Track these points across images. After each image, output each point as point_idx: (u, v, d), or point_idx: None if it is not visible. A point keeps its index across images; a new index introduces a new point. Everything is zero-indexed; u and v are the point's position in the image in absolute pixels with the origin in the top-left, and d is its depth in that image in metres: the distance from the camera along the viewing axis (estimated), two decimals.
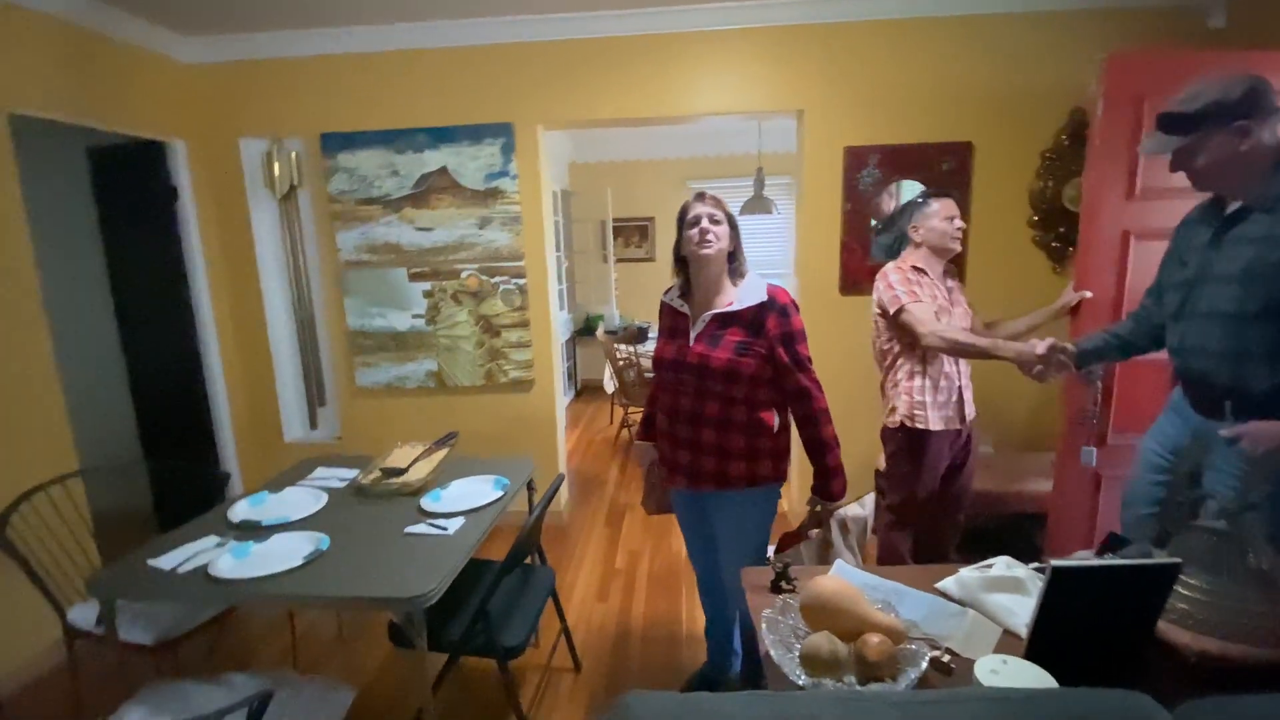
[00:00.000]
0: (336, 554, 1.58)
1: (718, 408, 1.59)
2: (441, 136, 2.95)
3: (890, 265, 2.12)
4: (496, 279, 3.08)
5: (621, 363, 4.35)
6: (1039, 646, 0.95)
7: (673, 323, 1.70)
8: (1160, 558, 0.96)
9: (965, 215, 2.94)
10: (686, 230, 1.60)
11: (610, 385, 4.71)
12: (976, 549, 2.50)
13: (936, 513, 2.19)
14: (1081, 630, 0.94)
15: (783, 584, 1.19)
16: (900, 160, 2.87)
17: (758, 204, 4.40)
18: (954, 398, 2.08)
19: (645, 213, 6.05)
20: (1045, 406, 3.00)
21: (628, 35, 2.86)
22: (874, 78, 2.82)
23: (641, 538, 3.17)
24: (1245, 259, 1.32)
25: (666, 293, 1.77)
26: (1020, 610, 1.07)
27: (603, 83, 2.92)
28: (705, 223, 1.56)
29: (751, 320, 1.57)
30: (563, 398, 3.34)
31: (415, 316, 3.13)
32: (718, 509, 1.73)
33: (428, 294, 3.10)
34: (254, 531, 1.70)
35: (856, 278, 2.97)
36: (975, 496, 2.34)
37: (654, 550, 3.04)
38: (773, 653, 0.96)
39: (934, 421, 2.05)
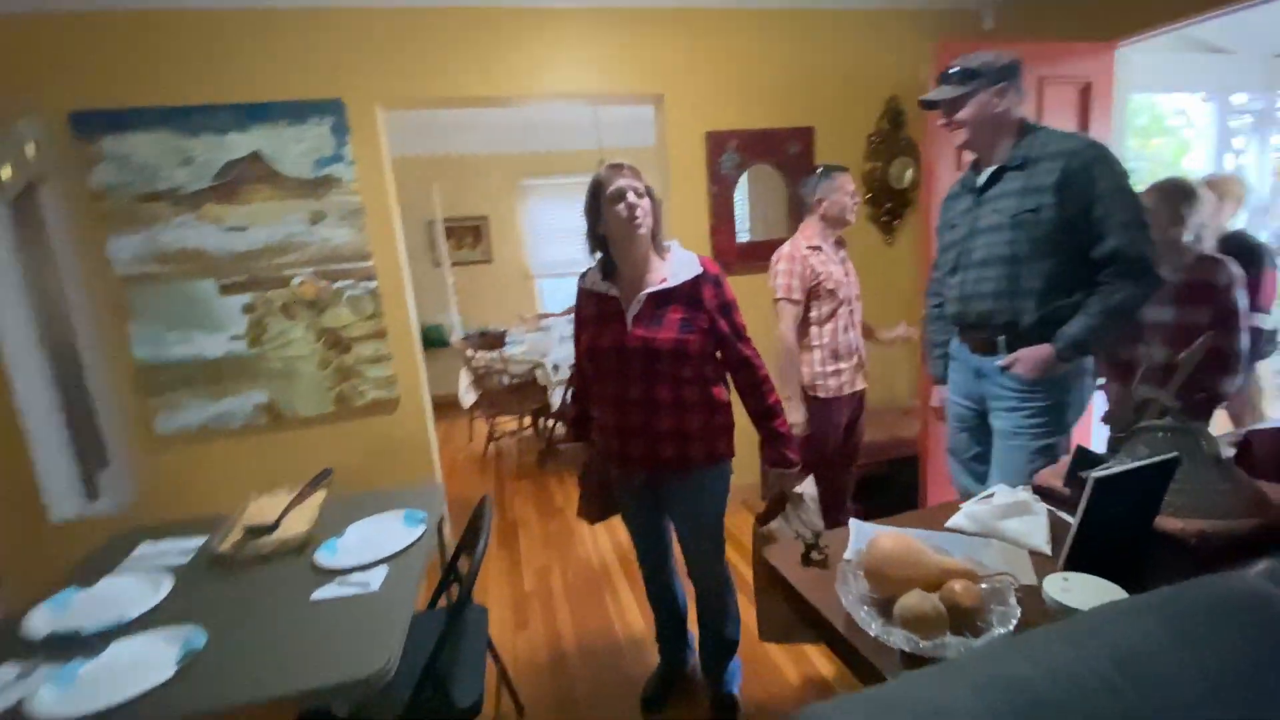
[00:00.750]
0: (222, 649, 1.17)
1: (670, 390, 1.50)
2: (253, 115, 2.41)
3: (786, 247, 2.17)
4: (340, 283, 2.61)
5: (481, 371, 4.01)
6: (1078, 557, 0.99)
7: (600, 309, 1.57)
8: (1156, 456, 1.05)
9: None
10: (611, 207, 1.47)
11: (468, 398, 4.32)
12: (866, 495, 2.72)
13: (837, 465, 2.32)
14: (1108, 535, 1.00)
15: (813, 554, 1.11)
16: (756, 144, 3.00)
17: None
18: (854, 362, 2.21)
19: (477, 212, 5.68)
20: (910, 360, 3.36)
21: (478, 6, 2.60)
22: (729, 64, 2.90)
23: (544, 553, 2.92)
24: (1009, 210, 1.54)
25: (583, 277, 1.64)
26: (1034, 530, 1.12)
27: (448, 58, 2.62)
28: (631, 196, 1.44)
29: (689, 295, 1.49)
30: (432, 415, 2.95)
31: (234, 338, 2.53)
32: (678, 494, 1.63)
33: (249, 309, 2.53)
34: (74, 647, 1.19)
35: (727, 259, 3.04)
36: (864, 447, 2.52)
37: (562, 562, 2.83)
38: (872, 629, 0.87)
39: (833, 389, 2.17)
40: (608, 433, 1.61)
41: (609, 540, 2.97)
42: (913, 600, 0.87)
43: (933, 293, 1.93)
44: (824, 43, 3.00)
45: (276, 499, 1.78)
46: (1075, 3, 2.74)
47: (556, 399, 3.75)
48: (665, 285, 1.48)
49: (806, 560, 1.11)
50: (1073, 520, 1.14)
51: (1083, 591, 0.91)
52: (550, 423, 4.11)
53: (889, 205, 3.26)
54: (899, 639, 0.84)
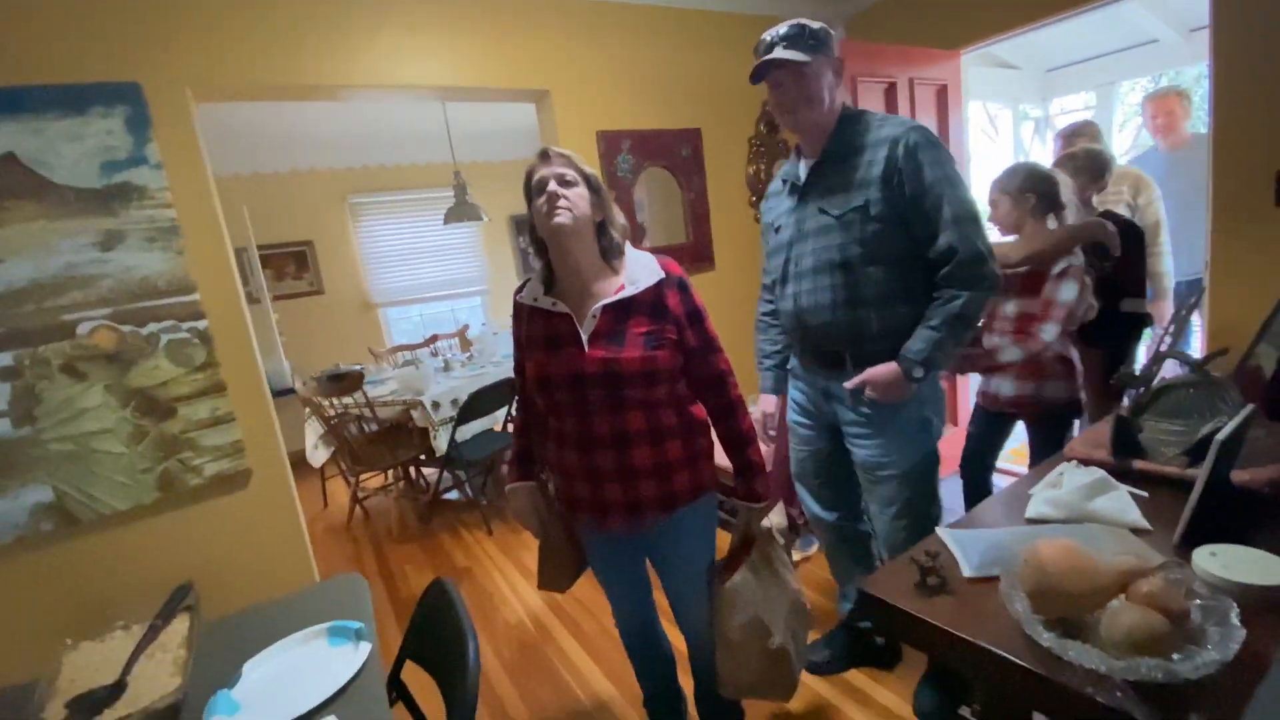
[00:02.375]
0: None
1: (643, 418, 1.25)
2: (1, 104, 1.70)
3: None
4: (153, 327, 1.95)
5: (334, 420, 3.35)
6: (1199, 526, 0.94)
7: (546, 328, 1.28)
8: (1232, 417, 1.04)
9: (703, 199, 3.11)
10: (535, 200, 1.23)
11: (317, 456, 3.60)
12: None
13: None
14: (1220, 499, 0.95)
15: (930, 580, 0.94)
16: (649, 146, 2.85)
17: (464, 210, 3.90)
18: None
19: (300, 236, 4.86)
20: None
21: None
22: (617, 60, 2.72)
23: None
24: (836, 208, 1.39)
25: (520, 290, 1.34)
26: (1125, 506, 1.05)
27: (283, 38, 2.11)
28: (553, 185, 1.19)
29: (652, 304, 1.25)
30: (293, 483, 2.34)
31: None
32: (663, 539, 1.37)
33: (10, 373, 1.78)
34: None
35: None
36: None
37: (487, 633, 2.39)
38: (1091, 660, 0.71)
39: None
40: (572, 478, 1.31)
41: (530, 592, 2.59)
42: (1134, 618, 0.72)
43: (763, 300, 1.79)
44: (705, 43, 2.96)
45: (109, 643, 1.21)
46: (912, 17, 2.99)
47: (442, 442, 3.24)
48: (624, 294, 1.23)
49: (925, 588, 0.93)
50: (1130, 490, 1.11)
51: (1240, 564, 0.84)
52: (432, 472, 3.56)
53: None
54: (1124, 668, 0.69)
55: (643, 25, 2.79)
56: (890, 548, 1.61)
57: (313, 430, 3.62)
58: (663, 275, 1.27)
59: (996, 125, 4.11)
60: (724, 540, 1.48)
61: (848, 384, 1.45)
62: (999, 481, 2.05)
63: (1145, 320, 2.17)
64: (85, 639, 1.22)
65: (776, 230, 1.56)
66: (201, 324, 2.02)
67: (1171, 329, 1.52)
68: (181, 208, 1.98)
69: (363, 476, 3.52)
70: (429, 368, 3.53)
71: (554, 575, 1.54)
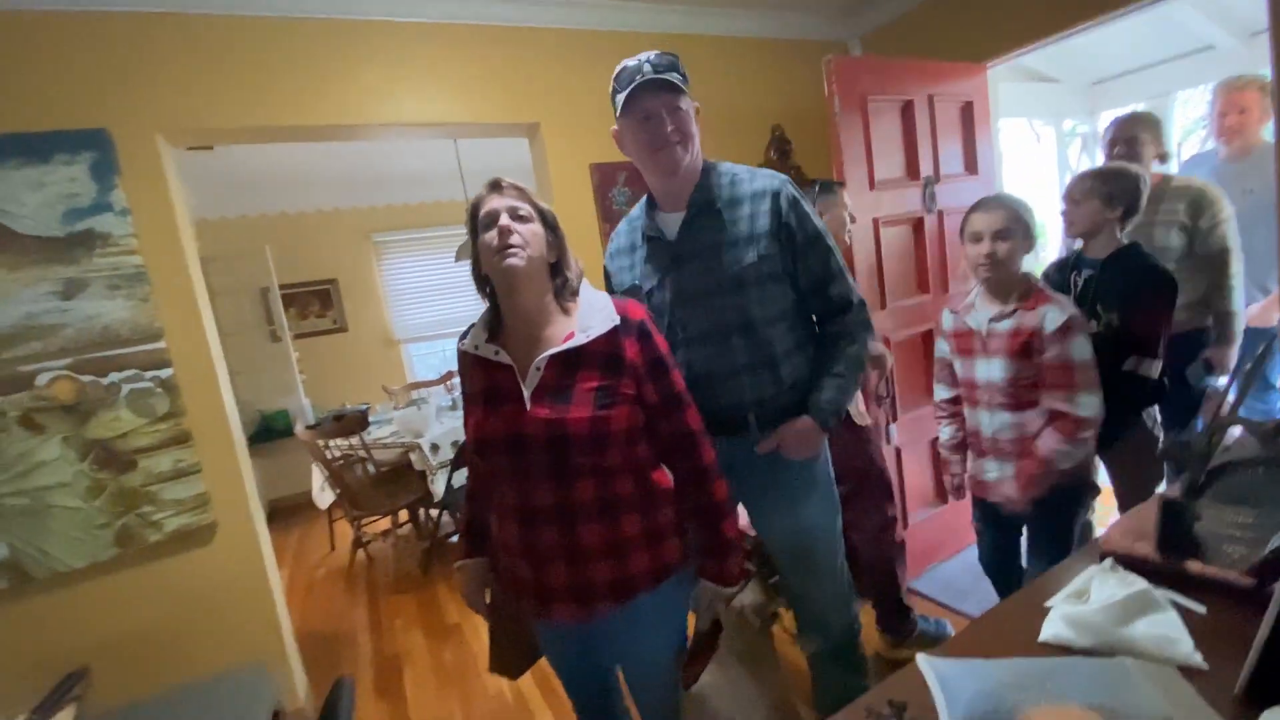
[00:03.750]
0: None
1: (594, 488, 1.06)
2: None
3: None
4: (114, 377, 1.89)
5: (339, 463, 3.27)
6: (1269, 672, 0.67)
7: (486, 380, 1.11)
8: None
9: None
10: (482, 235, 1.07)
11: (324, 498, 3.53)
12: None
13: None
14: None
15: None
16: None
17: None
18: None
19: (324, 274, 4.92)
20: None
21: (304, 18, 2.09)
22: (607, 90, 2.61)
23: (439, 696, 2.27)
24: (730, 266, 1.24)
25: (464, 337, 1.17)
26: (1175, 633, 0.79)
27: (261, 78, 2.07)
28: (505, 219, 1.04)
29: (606, 355, 1.07)
30: (269, 538, 2.24)
31: None
32: (620, 634, 1.15)
33: None
34: None
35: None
36: None
37: (466, 699, 2.19)
38: None
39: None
40: (515, 555, 1.12)
41: None
42: None
43: None
44: (708, 70, 2.81)
45: None
46: (933, 31, 2.77)
47: (440, 486, 3.11)
48: (573, 344, 1.06)
49: None
50: (1180, 601, 0.84)
51: None
52: (435, 514, 3.44)
53: None
54: None
55: (636, 53, 2.66)
56: (842, 627, 1.46)
57: (318, 472, 3.56)
58: (618, 320, 1.09)
59: (1041, 142, 3.79)
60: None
61: (761, 447, 1.31)
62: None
63: (1150, 389, 1.58)
64: None
65: (649, 294, 1.33)
66: (165, 373, 1.95)
67: (1235, 386, 1.23)
68: (149, 254, 1.92)
69: (366, 521, 3.41)
70: (431, 408, 3.43)
71: (505, 660, 1.36)
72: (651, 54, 1.23)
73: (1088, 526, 1.82)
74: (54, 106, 1.81)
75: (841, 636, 1.46)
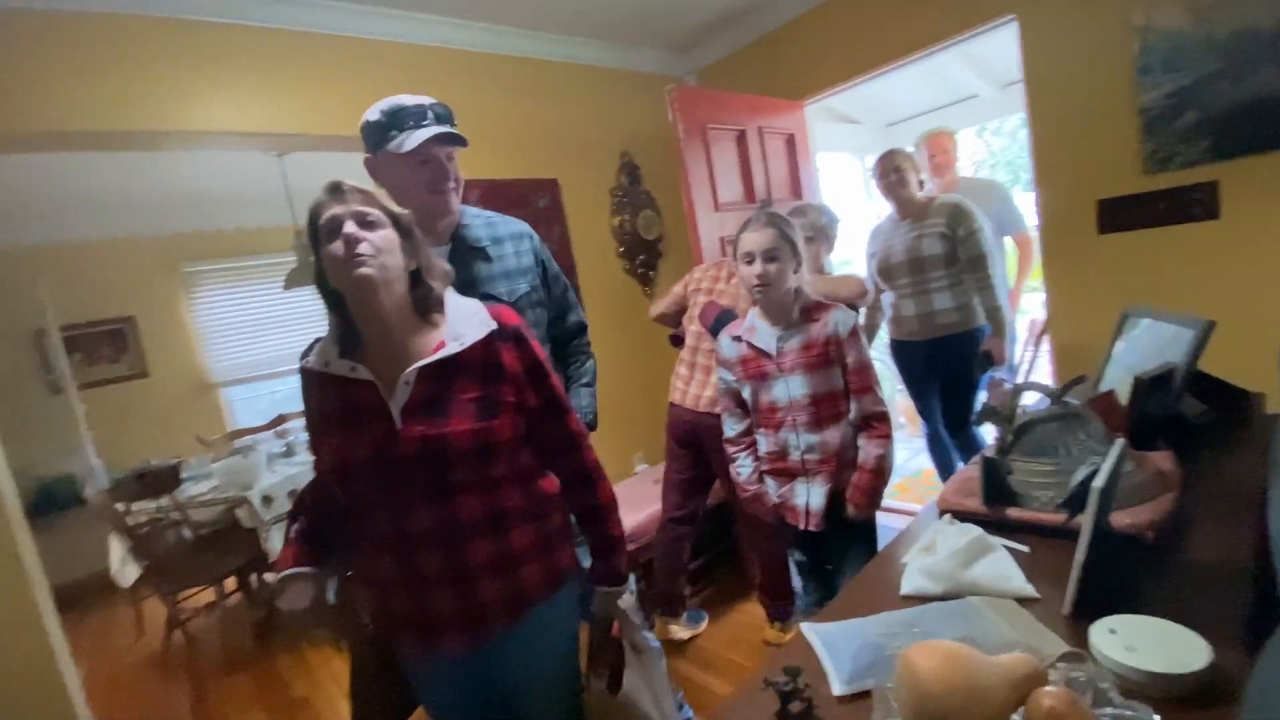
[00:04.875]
0: None
1: (480, 503, 1.00)
2: None
3: None
4: None
5: (145, 530, 2.76)
6: (1089, 594, 0.79)
7: (343, 400, 1.01)
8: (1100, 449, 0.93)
9: (566, 250, 2.95)
10: (326, 246, 0.96)
11: (127, 573, 2.96)
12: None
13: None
14: (1107, 558, 0.82)
15: (791, 708, 0.72)
16: (501, 195, 2.66)
17: (306, 274, 3.50)
18: None
19: (118, 312, 4.20)
20: None
21: (91, 12, 1.81)
22: (462, 110, 2.52)
23: None
24: (517, 293, 1.38)
25: (306, 355, 1.06)
26: (1008, 571, 0.90)
27: (36, 74, 1.75)
28: (351, 226, 0.95)
29: (482, 363, 1.02)
30: (60, 630, 1.82)
31: None
32: (512, 654, 1.08)
33: None
34: None
35: None
36: None
37: None
38: None
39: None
40: (386, 591, 1.03)
41: None
42: None
43: None
44: (561, 96, 2.87)
45: None
46: (758, 69, 3.07)
47: (275, 543, 2.74)
48: (446, 353, 0.99)
49: (787, 717, 0.72)
50: (1009, 545, 0.97)
51: (1145, 643, 0.69)
52: (272, 578, 3.01)
53: (642, 257, 3.21)
54: None
55: (493, 73, 2.66)
56: None
57: (119, 543, 2.97)
58: (494, 326, 1.04)
59: (847, 176, 4.33)
60: None
61: None
62: (888, 522, 1.75)
63: None
64: None
65: None
66: None
67: (1030, 358, 1.47)
68: None
69: (183, 594, 2.90)
70: (261, 455, 3.03)
71: (373, 714, 1.21)
72: (430, 99, 1.29)
73: None
74: None
75: None
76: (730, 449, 1.63)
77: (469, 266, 1.33)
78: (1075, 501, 0.91)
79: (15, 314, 3.72)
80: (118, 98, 1.87)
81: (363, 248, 0.94)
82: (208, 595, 3.24)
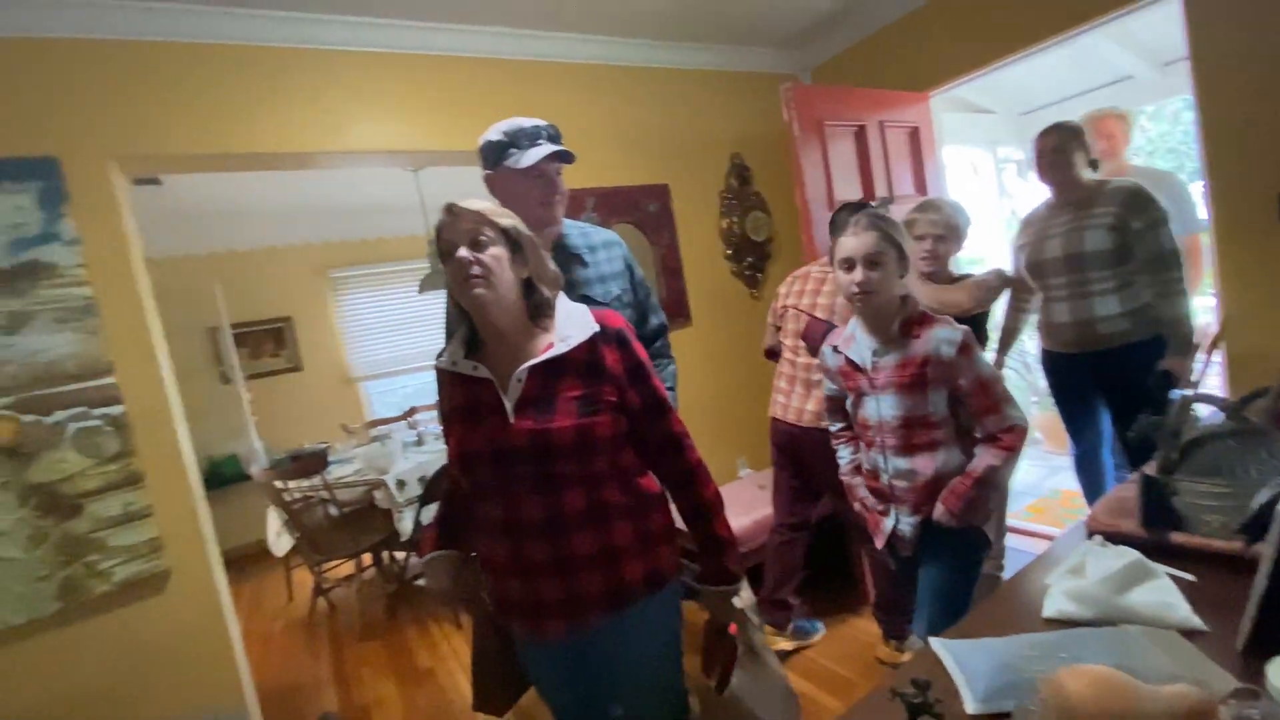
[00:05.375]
0: None
1: (583, 496, 1.05)
2: None
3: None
4: (59, 415, 1.77)
5: (298, 505, 3.11)
6: (1266, 625, 0.70)
7: (468, 397, 1.10)
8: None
9: (675, 254, 2.99)
10: (446, 263, 1.07)
11: (281, 544, 3.35)
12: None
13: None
14: None
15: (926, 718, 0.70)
16: (614, 202, 2.75)
17: (438, 279, 3.80)
18: None
19: (278, 312, 4.76)
20: None
21: (255, 45, 2.08)
22: (577, 119, 2.65)
23: None
24: (600, 296, 1.51)
25: (441, 355, 1.16)
26: (1172, 599, 0.82)
27: (216, 105, 2.03)
28: (463, 251, 1.02)
29: (586, 363, 1.08)
30: (226, 584, 2.10)
31: None
32: (614, 647, 1.11)
33: None
34: None
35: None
36: None
37: None
38: None
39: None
40: (502, 574, 1.10)
41: None
42: None
43: None
44: (671, 101, 2.92)
45: None
46: (876, 63, 2.94)
47: (407, 524, 2.99)
48: (553, 353, 1.06)
49: None
50: (1171, 572, 0.88)
51: None
52: (402, 556, 3.30)
53: (751, 259, 3.18)
54: None
55: (605, 84, 2.74)
56: None
57: (275, 517, 3.37)
58: (597, 329, 1.09)
59: (978, 170, 4.03)
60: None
61: None
62: (1020, 545, 1.63)
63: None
64: None
65: None
66: (116, 409, 1.84)
67: (1201, 368, 1.31)
68: (99, 285, 1.84)
69: (327, 565, 3.24)
70: (396, 443, 3.31)
71: (489, 694, 1.30)
72: (544, 122, 1.45)
73: (992, 580, 1.81)
74: (2, 132, 1.73)
75: None
76: (833, 441, 1.60)
77: (568, 271, 1.43)
78: (1254, 527, 0.81)
79: (195, 313, 4.31)
80: (282, 123, 2.12)
81: (474, 270, 1.02)
82: (347, 568, 3.60)
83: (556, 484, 1.03)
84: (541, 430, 1.02)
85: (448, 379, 1.14)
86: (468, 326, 1.14)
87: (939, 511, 1.31)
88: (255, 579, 4.02)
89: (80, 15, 1.82)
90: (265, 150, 2.12)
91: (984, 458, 1.31)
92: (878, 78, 2.88)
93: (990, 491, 1.31)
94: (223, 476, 4.38)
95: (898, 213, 2.42)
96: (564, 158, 1.43)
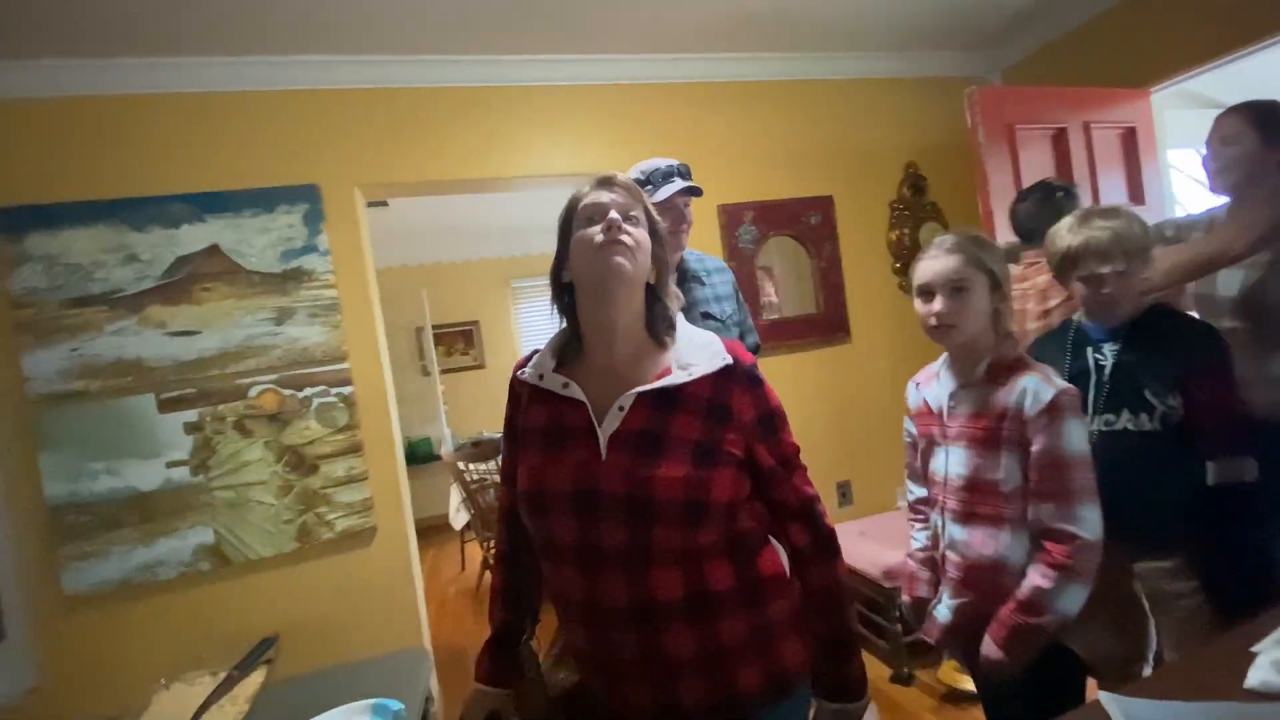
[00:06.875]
0: None
1: (680, 581, 0.81)
2: (210, 205, 2.11)
3: None
4: (307, 391, 2.20)
5: (475, 485, 3.51)
6: None
7: (550, 417, 0.90)
8: None
9: (836, 267, 2.91)
10: (582, 230, 0.87)
11: (459, 518, 3.78)
12: None
13: None
14: None
15: None
16: (773, 215, 2.76)
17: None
18: None
19: (468, 316, 5.40)
20: None
21: (470, 86, 2.41)
22: (740, 134, 2.72)
23: None
24: (717, 316, 1.68)
25: (522, 367, 0.96)
26: None
27: (436, 139, 2.39)
28: (615, 213, 0.85)
29: (710, 401, 0.86)
30: (416, 546, 2.45)
31: (173, 464, 2.07)
32: None
33: (194, 428, 2.09)
34: None
35: (760, 338, 2.69)
36: None
37: None
38: None
39: None
40: (583, 664, 0.92)
41: None
42: None
43: None
44: (837, 112, 2.86)
45: (196, 688, 1.27)
46: (1080, 59, 2.62)
47: None
48: (670, 381, 0.85)
49: None
50: None
51: None
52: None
53: None
54: None
55: (768, 100, 2.77)
56: None
57: (456, 494, 3.83)
58: (729, 361, 0.88)
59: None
60: None
61: None
62: None
63: (1257, 498, 1.14)
64: (178, 680, 1.29)
65: None
66: (348, 390, 2.24)
67: None
68: (343, 288, 2.25)
69: (493, 542, 3.61)
70: None
71: None
72: (676, 161, 1.60)
73: (1201, 613, 1.28)
74: (278, 166, 2.20)
75: None
76: (910, 516, 1.36)
77: (688, 291, 1.59)
78: None
79: (404, 315, 5.04)
80: (478, 152, 2.44)
81: (624, 238, 0.85)
82: None
83: (649, 557, 0.81)
84: (642, 477, 0.80)
85: (528, 394, 0.94)
86: (567, 328, 0.95)
87: (986, 646, 1.07)
88: (435, 547, 4.57)
89: (343, 69, 2.25)
90: (469, 176, 2.45)
91: (1031, 577, 1.04)
92: (1085, 74, 2.58)
93: (1049, 623, 1.02)
94: (417, 455, 5.05)
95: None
96: (693, 192, 1.58)
